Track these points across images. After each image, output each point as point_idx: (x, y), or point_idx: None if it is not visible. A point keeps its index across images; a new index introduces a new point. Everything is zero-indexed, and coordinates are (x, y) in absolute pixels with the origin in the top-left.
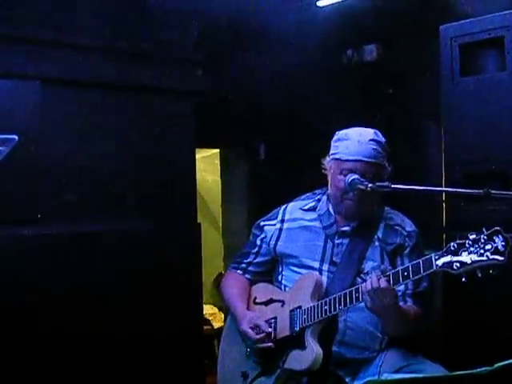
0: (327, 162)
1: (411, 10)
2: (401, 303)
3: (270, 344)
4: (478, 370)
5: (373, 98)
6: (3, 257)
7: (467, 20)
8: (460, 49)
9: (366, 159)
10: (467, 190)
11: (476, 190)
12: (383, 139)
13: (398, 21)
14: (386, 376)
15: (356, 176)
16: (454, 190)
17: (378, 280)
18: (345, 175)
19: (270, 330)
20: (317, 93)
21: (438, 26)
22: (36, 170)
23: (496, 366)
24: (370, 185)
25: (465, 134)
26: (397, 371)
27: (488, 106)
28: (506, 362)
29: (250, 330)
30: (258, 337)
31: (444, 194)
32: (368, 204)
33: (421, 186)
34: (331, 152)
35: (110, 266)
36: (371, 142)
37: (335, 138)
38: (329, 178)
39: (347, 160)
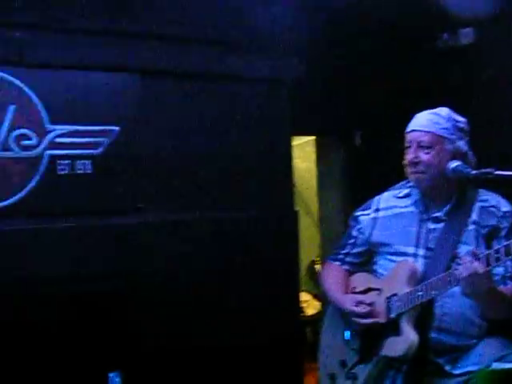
0: None
1: None
2: (501, 286)
3: (377, 319)
4: None
5: (469, 83)
6: (106, 246)
7: None
8: None
9: (417, 128)
10: None
11: None
12: (452, 116)
13: (495, 3)
14: (495, 366)
15: (459, 163)
16: None
17: (472, 264)
18: (408, 147)
19: (374, 300)
20: (413, 78)
21: None
22: (136, 161)
23: None
24: (472, 172)
25: None
26: (498, 360)
27: None
28: None
29: (355, 307)
30: (364, 310)
31: None
32: (439, 182)
33: None
34: None
35: (209, 254)
36: (429, 114)
37: None
38: None
39: (406, 133)
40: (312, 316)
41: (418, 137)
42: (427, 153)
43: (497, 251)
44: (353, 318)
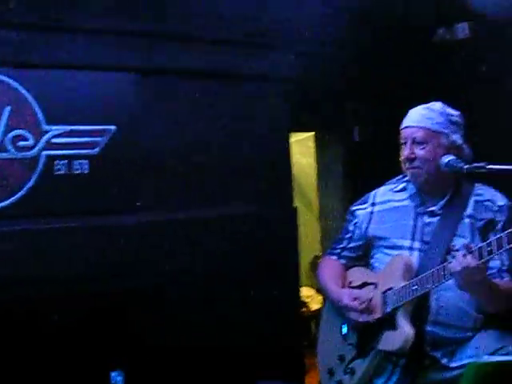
0: None
1: None
2: (497, 279)
3: (373, 316)
4: None
5: (465, 77)
6: (103, 246)
7: None
8: None
9: (411, 124)
10: None
11: None
12: (446, 109)
13: None
14: (486, 358)
15: (453, 157)
16: None
17: (465, 258)
18: (403, 144)
19: (371, 295)
20: (409, 73)
21: None
22: (135, 160)
23: None
24: (465, 166)
25: None
26: (493, 353)
27: None
28: None
29: (351, 303)
30: (362, 306)
31: None
32: (435, 177)
33: None
34: None
35: (208, 251)
36: (422, 110)
37: None
38: None
39: (401, 130)
40: (316, 311)
41: (412, 133)
42: (422, 148)
43: (489, 244)
44: (349, 314)
